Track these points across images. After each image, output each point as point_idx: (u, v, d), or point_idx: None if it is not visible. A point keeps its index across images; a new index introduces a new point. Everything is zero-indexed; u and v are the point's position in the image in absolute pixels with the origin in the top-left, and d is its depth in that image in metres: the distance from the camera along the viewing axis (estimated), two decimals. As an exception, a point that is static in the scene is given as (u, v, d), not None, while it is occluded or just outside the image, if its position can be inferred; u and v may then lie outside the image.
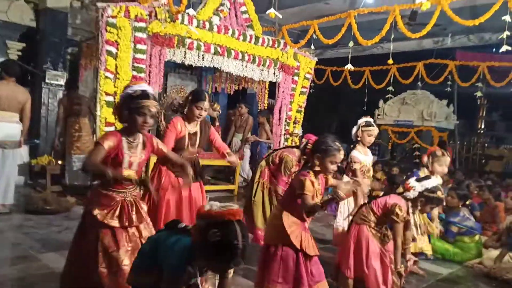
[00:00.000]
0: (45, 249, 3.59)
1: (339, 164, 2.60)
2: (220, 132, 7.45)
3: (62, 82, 6.80)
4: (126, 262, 2.25)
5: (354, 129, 3.94)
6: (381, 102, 10.45)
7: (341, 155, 2.47)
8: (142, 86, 2.32)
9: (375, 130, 3.91)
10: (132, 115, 2.26)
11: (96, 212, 2.28)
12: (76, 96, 6.08)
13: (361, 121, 3.94)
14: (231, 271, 1.81)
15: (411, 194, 2.99)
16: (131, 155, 2.34)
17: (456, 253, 4.31)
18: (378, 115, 10.45)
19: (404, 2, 5.90)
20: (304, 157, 3.40)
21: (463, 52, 9.23)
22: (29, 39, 6.78)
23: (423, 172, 3.93)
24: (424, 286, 3.57)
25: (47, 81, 6.67)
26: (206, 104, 3.17)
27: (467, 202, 4.92)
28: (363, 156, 3.85)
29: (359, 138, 3.88)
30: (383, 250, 2.90)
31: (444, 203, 3.95)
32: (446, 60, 8.93)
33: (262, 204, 3.95)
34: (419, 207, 3.04)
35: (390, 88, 9.39)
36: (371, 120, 3.98)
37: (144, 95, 2.26)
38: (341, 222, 3.90)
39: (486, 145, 12.87)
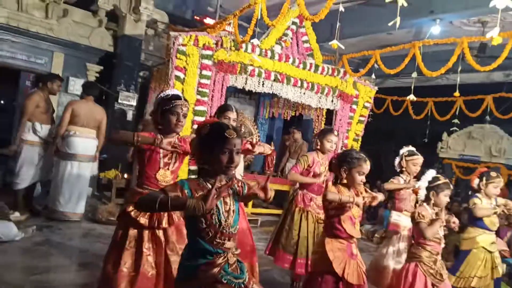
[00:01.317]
0: (107, 258, 3.82)
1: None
2: (274, 157, 7.54)
3: (133, 102, 7.32)
4: (145, 265, 2.31)
5: (397, 160, 3.82)
6: (445, 135, 9.97)
7: (367, 165, 2.48)
8: (173, 91, 2.51)
9: (419, 159, 3.77)
10: (166, 115, 2.41)
11: (130, 209, 2.37)
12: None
13: (403, 151, 3.82)
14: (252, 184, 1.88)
15: (422, 194, 2.92)
16: (167, 155, 2.46)
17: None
18: (442, 148, 9.95)
19: (472, 34, 5.69)
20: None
21: (538, 86, 8.61)
22: (106, 63, 7.40)
23: (478, 199, 3.67)
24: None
25: (119, 101, 7.21)
26: (233, 114, 3.24)
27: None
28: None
29: (403, 169, 3.76)
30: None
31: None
32: (518, 94, 8.38)
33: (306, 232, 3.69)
34: (433, 201, 2.90)
35: (455, 120, 8.96)
36: (413, 149, 3.84)
37: (175, 96, 2.43)
38: (388, 261, 3.63)
39: None
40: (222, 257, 1.70)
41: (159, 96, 2.49)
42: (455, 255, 3.77)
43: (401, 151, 3.83)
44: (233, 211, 1.78)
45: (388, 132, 12.10)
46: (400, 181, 3.71)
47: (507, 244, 5.38)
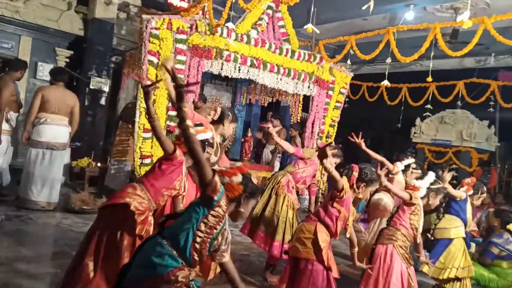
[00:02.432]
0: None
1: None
2: (252, 143, 7.53)
3: (105, 88, 7.12)
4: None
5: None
6: (418, 120, 10.20)
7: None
8: None
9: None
10: None
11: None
12: (130, 102, 6.30)
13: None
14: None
15: (421, 193, 3.02)
16: None
17: (491, 279, 4.11)
18: (415, 133, 10.19)
19: (445, 20, 5.78)
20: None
21: (507, 72, 8.87)
22: (76, 47, 7.15)
23: None
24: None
25: (91, 87, 7.00)
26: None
27: (509, 227, 4.70)
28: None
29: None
30: (409, 271, 2.83)
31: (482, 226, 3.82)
32: (489, 80, 8.61)
33: (285, 218, 3.75)
34: (430, 201, 3.11)
35: (428, 106, 9.16)
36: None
37: None
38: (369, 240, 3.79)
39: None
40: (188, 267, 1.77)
41: None
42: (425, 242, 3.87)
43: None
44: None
45: (364, 119, 12.28)
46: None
47: (476, 224, 5.59)
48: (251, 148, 7.54)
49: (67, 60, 7.13)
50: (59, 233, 4.15)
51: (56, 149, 4.87)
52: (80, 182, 6.21)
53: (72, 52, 7.12)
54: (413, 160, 4.06)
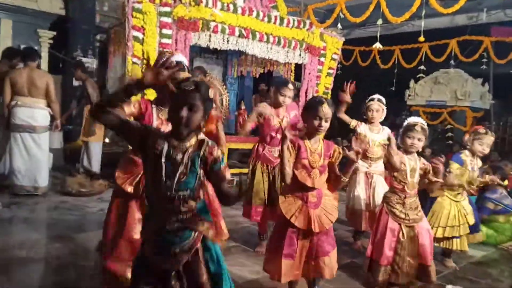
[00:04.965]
0: (80, 230, 3.76)
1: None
2: (246, 117, 7.47)
3: (92, 68, 6.97)
4: (134, 235, 2.31)
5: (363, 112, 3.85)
6: (412, 82, 10.12)
7: (324, 108, 2.34)
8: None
9: (375, 104, 3.79)
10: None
11: (117, 175, 2.40)
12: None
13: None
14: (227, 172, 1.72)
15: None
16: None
17: (490, 235, 4.17)
18: (409, 95, 10.13)
19: (436, -24, 5.63)
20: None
21: (499, 28, 8.73)
22: (59, 28, 6.94)
23: (464, 155, 3.58)
24: (457, 270, 3.50)
25: (78, 68, 6.83)
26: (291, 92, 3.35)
27: (504, 183, 4.73)
28: (369, 133, 3.78)
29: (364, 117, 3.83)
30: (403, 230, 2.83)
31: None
32: (481, 37, 8.49)
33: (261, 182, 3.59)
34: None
35: (422, 67, 9.06)
36: (375, 96, 3.85)
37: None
38: (360, 203, 3.74)
39: (524, 125, 12.30)
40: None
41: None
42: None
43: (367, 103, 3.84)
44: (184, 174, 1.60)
45: (357, 84, 12.21)
46: (363, 127, 3.77)
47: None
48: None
49: (51, 41, 6.94)
50: (58, 217, 4.14)
51: (34, 131, 4.79)
52: (76, 165, 6.17)
53: (55, 33, 6.92)
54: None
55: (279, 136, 3.37)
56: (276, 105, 3.52)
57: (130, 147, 2.47)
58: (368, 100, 3.84)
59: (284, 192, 2.47)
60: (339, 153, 2.46)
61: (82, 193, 4.92)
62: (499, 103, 10.49)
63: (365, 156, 3.71)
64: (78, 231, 3.72)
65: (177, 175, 1.58)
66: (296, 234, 2.41)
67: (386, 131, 3.77)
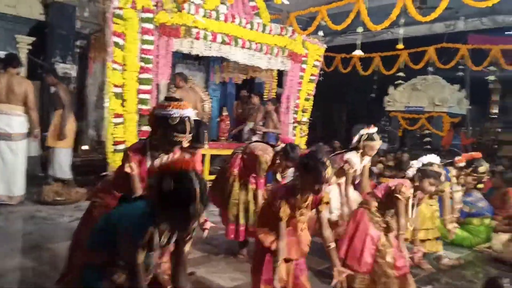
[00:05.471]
0: (55, 239, 3.67)
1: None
2: (228, 123, 7.46)
3: (71, 74, 6.85)
4: None
5: (356, 138, 3.64)
6: (391, 89, 10.32)
7: (328, 173, 2.17)
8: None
9: (378, 144, 3.61)
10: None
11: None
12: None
13: (364, 132, 3.61)
14: (189, 243, 1.79)
15: (410, 172, 2.94)
16: None
17: (465, 238, 4.27)
18: (388, 101, 10.31)
19: (414, -15, 5.78)
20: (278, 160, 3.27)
21: (476, 36, 9.01)
22: (38, 33, 6.81)
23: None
24: (433, 271, 3.56)
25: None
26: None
27: (479, 186, 4.85)
28: (358, 161, 3.63)
29: (360, 150, 3.62)
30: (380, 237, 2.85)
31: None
32: (458, 44, 8.73)
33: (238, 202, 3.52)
34: (417, 184, 2.89)
35: (401, 74, 9.26)
36: (375, 130, 3.63)
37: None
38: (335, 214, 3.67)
39: (499, 130, 12.64)
40: None
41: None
42: None
43: (362, 131, 3.65)
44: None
45: (339, 91, 12.34)
46: (354, 158, 3.62)
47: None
48: (228, 127, 7.47)
49: (29, 47, 6.79)
50: (34, 227, 4.03)
51: (10, 139, 4.66)
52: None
53: (34, 39, 6.78)
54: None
55: None
56: (280, 166, 3.38)
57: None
58: (369, 138, 3.58)
59: (262, 225, 2.40)
60: (327, 203, 2.37)
61: (58, 202, 4.79)
62: (476, 108, 10.80)
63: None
64: (53, 241, 3.63)
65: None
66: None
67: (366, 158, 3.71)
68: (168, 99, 2.23)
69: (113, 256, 1.70)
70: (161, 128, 2.16)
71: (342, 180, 3.68)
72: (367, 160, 3.73)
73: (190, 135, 2.19)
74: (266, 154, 3.36)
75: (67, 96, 5.55)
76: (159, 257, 1.81)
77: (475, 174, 3.94)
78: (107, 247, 1.71)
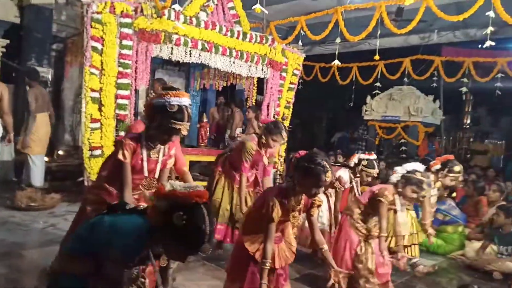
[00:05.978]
0: (28, 246, 3.58)
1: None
2: (208, 130, 7.44)
3: (47, 78, 6.70)
4: None
5: (355, 160, 3.60)
6: (368, 98, 10.53)
7: (328, 177, 2.14)
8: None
9: (375, 173, 3.59)
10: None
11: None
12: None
13: (364, 157, 3.57)
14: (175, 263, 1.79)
15: (394, 177, 3.01)
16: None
17: (439, 246, 4.37)
18: (366, 111, 10.52)
19: (391, -1, 5.95)
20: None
21: (449, 48, 9.33)
22: (13, 36, 6.66)
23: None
24: (407, 278, 3.63)
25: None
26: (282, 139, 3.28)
27: (453, 195, 5.00)
28: (348, 179, 3.64)
29: (357, 174, 3.61)
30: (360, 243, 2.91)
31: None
32: (432, 56, 9.02)
33: (221, 200, 3.57)
34: (399, 189, 2.97)
35: (378, 84, 9.47)
36: (374, 157, 3.61)
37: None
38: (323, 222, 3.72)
39: (471, 139, 13.06)
40: None
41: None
42: None
43: (361, 156, 3.62)
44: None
45: (319, 99, 12.51)
46: (345, 176, 3.61)
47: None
48: (207, 134, 7.45)
49: (3, 50, 6.62)
50: (6, 233, 3.90)
51: None
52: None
53: (8, 41, 6.61)
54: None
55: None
56: (266, 146, 3.43)
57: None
58: (367, 165, 3.52)
59: (248, 232, 2.36)
60: (318, 206, 2.36)
61: (32, 208, 4.66)
62: (449, 118, 11.14)
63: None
64: (26, 247, 3.53)
65: None
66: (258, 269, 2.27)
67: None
68: (166, 88, 2.26)
69: (96, 266, 1.56)
70: (159, 117, 2.17)
71: (329, 190, 3.74)
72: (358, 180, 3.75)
73: (188, 123, 2.20)
74: (251, 141, 3.45)
75: (36, 100, 5.37)
76: (143, 269, 1.78)
77: (451, 175, 4.07)
78: (91, 255, 1.57)
